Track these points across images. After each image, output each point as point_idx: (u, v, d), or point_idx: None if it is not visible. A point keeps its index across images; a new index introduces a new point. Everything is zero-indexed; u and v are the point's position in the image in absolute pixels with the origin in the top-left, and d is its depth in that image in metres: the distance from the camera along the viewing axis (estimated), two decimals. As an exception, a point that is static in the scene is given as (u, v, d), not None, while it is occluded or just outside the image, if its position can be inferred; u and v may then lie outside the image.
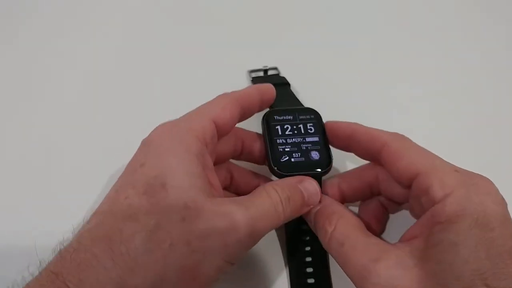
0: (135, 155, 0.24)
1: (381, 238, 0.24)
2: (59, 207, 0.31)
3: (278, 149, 0.28)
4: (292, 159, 0.27)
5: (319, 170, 0.27)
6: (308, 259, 0.29)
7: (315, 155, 0.28)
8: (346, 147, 0.28)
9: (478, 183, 0.22)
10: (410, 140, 0.25)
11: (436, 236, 0.21)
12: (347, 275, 0.23)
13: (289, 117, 0.29)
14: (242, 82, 0.37)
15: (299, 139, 0.28)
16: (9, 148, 0.34)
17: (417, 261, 0.21)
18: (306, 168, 0.27)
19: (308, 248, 0.29)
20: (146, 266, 0.20)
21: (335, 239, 0.24)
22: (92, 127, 0.35)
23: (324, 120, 0.29)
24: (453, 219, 0.20)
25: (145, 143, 0.24)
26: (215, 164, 0.28)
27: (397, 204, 0.28)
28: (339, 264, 0.23)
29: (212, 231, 0.21)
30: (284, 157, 0.27)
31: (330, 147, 0.28)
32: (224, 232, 0.21)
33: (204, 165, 0.24)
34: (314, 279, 0.28)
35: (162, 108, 0.36)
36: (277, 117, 0.29)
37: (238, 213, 0.22)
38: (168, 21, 0.41)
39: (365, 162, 0.29)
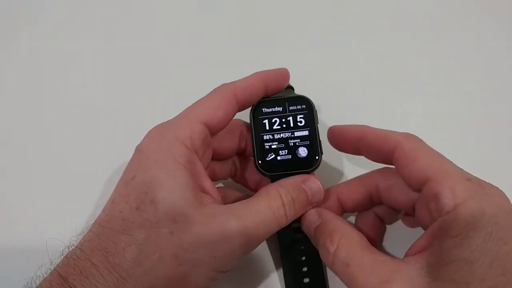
0: (129, 164, 0.24)
1: (388, 254, 0.23)
2: (66, 208, 0.32)
3: (264, 146, 0.27)
4: (278, 157, 0.27)
5: (306, 169, 0.27)
6: (303, 258, 0.28)
7: (303, 151, 0.27)
8: (355, 150, 0.28)
9: (489, 193, 0.22)
10: (423, 142, 0.25)
11: (449, 252, 0.20)
12: None
13: (278, 109, 0.28)
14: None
15: (287, 134, 0.27)
16: (15, 148, 0.35)
17: (429, 279, 0.20)
18: (292, 167, 0.27)
19: (302, 247, 0.29)
20: (137, 277, 0.21)
21: (339, 259, 0.23)
22: (96, 126, 0.36)
23: (318, 111, 0.28)
24: (466, 233, 0.20)
25: (137, 151, 0.24)
26: (220, 159, 0.29)
27: (395, 213, 0.28)
28: (345, 284, 0.22)
29: (202, 243, 0.21)
30: (270, 155, 0.27)
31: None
32: (214, 244, 0.22)
33: (194, 172, 0.24)
34: (309, 278, 0.28)
35: (164, 107, 0.35)
36: (266, 109, 0.28)
37: (230, 224, 0.22)
38: (170, 20, 0.41)
39: (361, 170, 0.29)
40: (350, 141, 0.27)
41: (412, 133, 0.25)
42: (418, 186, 0.24)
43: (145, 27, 0.41)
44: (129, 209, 0.22)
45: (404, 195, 0.25)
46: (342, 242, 0.23)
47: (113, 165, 0.33)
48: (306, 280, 0.28)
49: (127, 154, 0.25)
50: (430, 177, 0.23)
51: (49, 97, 0.37)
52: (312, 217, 0.26)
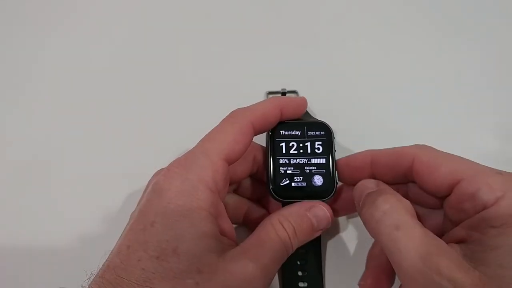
0: (145, 204, 0.23)
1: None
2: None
3: (279, 170, 0.27)
4: (293, 184, 0.26)
5: (319, 199, 0.26)
6: (303, 262, 0.28)
7: (318, 180, 0.27)
8: (368, 177, 0.27)
9: None
10: (437, 149, 0.25)
11: (494, 240, 0.21)
12: (394, 261, 0.21)
13: (297, 133, 0.27)
14: (251, 86, 0.36)
15: (303, 160, 0.27)
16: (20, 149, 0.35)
17: (474, 264, 0.20)
18: (306, 196, 0.26)
19: (303, 250, 0.28)
20: None
21: (390, 220, 0.22)
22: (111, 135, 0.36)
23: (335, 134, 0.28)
24: (510, 222, 0.21)
25: (156, 191, 0.23)
26: (230, 184, 0.28)
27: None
28: (385, 248, 0.22)
29: None
30: (285, 181, 0.27)
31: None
32: None
33: (217, 215, 0.23)
34: (307, 283, 0.28)
35: (167, 109, 0.36)
36: (284, 131, 0.27)
37: (252, 268, 0.22)
38: (178, 25, 0.40)
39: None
40: (362, 169, 0.27)
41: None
42: (447, 190, 0.24)
43: (153, 34, 0.40)
44: (149, 258, 0.21)
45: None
46: (396, 205, 0.23)
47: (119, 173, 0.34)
48: (303, 284, 0.28)
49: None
50: (461, 177, 0.23)
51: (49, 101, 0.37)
52: (370, 184, 0.26)
